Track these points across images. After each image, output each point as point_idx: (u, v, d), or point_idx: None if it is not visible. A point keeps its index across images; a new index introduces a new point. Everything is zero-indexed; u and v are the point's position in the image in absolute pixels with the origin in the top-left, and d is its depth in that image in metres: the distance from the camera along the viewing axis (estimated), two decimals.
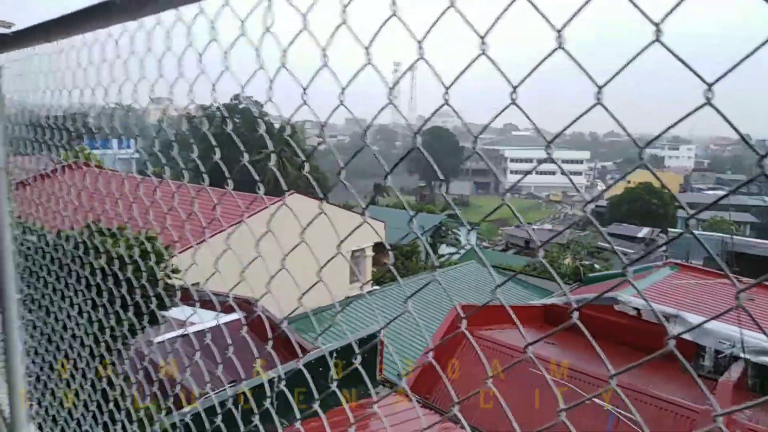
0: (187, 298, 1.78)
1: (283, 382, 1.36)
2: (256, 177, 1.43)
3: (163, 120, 1.75)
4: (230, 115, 1.67)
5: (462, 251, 31.71)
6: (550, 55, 0.81)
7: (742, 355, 6.15)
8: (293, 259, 1.41)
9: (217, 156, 1.49)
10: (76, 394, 2.50)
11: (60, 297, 2.66)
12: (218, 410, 1.61)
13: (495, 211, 1.17)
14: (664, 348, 0.77)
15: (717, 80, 0.66)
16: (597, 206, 65.24)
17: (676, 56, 0.69)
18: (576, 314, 0.84)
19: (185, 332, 1.80)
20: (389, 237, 20.80)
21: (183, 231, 1.73)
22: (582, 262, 29.89)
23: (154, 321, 2.06)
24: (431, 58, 1.01)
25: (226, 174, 1.49)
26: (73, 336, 2.56)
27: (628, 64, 0.73)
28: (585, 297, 8.11)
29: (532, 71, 0.85)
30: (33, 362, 2.85)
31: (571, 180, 0.98)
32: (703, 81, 0.66)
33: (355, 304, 13.91)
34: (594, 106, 0.79)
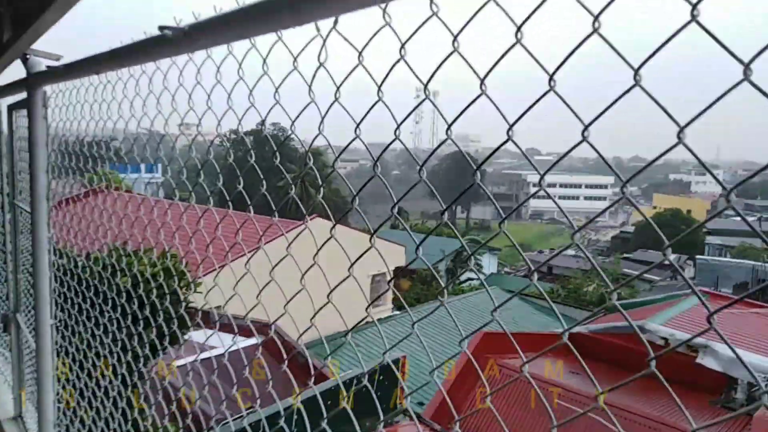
0: (206, 321, 1.79)
1: (296, 411, 1.34)
2: (273, 206, 1.44)
3: (191, 146, 1.79)
4: (256, 140, 1.70)
5: (475, 278, 31.39)
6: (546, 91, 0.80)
7: None
8: (316, 284, 1.41)
9: (241, 185, 1.51)
10: (104, 419, 2.51)
11: (86, 318, 2.70)
12: None
13: (491, 240, 1.16)
14: (645, 370, 0.74)
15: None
16: (623, 232, 64.11)
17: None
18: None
19: (205, 356, 1.80)
20: (408, 261, 20.70)
21: (205, 254, 1.75)
22: (607, 290, 29.21)
23: (174, 341, 2.07)
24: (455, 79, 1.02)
25: (248, 200, 1.51)
26: (97, 355, 2.59)
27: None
28: (610, 326, 7.91)
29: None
30: (64, 388, 2.87)
31: (562, 209, 0.97)
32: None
33: (375, 329, 13.79)
34: (579, 142, 0.77)
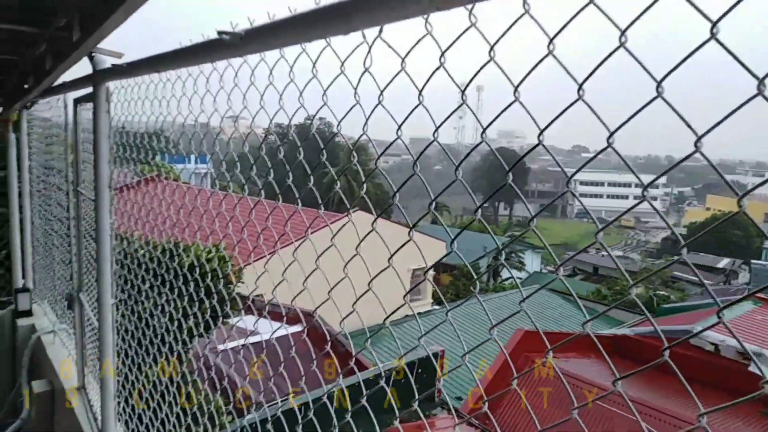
0: (251, 308, 1.87)
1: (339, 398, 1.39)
2: (319, 199, 1.49)
3: (245, 140, 1.88)
4: (303, 135, 1.76)
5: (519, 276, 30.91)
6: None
7: None
8: (358, 276, 1.45)
9: (290, 180, 1.58)
10: (160, 394, 2.65)
11: (145, 299, 2.85)
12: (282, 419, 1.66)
13: (522, 235, 1.16)
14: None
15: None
16: (674, 233, 61.43)
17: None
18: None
19: (253, 340, 1.88)
20: (450, 257, 20.61)
21: (256, 242, 1.82)
22: (656, 292, 28.24)
23: (224, 321, 2.19)
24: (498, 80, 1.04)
25: (296, 194, 1.57)
26: (155, 335, 2.73)
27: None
28: (656, 328, 7.67)
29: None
30: (123, 363, 3.05)
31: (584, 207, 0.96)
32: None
33: (414, 322, 13.83)
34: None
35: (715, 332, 7.39)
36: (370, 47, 1.18)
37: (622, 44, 0.78)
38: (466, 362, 1.21)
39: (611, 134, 0.83)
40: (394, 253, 1.33)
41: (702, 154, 0.71)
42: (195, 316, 2.28)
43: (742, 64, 0.66)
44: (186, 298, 2.36)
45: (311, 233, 1.48)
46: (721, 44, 0.67)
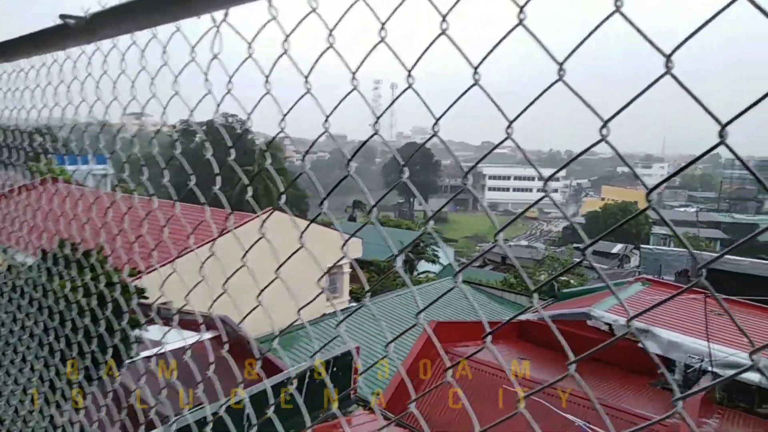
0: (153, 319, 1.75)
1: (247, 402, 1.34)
2: (225, 203, 1.43)
3: (136, 136, 1.74)
4: (210, 132, 1.67)
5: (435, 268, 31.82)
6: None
7: (710, 368, 6.28)
8: (270, 276, 1.41)
9: (192, 182, 1.49)
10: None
11: (20, 327, 2.54)
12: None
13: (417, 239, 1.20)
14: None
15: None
16: (571, 225, 66.10)
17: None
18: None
19: (157, 352, 1.77)
20: (366, 253, 20.76)
21: (154, 250, 1.71)
22: (558, 278, 30.13)
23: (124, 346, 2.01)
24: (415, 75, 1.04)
25: (201, 199, 1.49)
26: (32, 369, 2.45)
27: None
28: (558, 312, 8.21)
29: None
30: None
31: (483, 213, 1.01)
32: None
33: (331, 321, 13.78)
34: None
35: (609, 313, 8.04)
36: (218, 29, 1.16)
37: (520, 21, 0.79)
38: (389, 354, 1.21)
39: (510, 124, 0.86)
40: (283, 263, 1.30)
41: (608, 143, 0.74)
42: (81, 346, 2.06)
43: (648, 39, 0.69)
44: (70, 324, 2.15)
45: (218, 236, 1.42)
46: (626, 17, 0.70)
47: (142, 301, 1.93)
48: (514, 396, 0.81)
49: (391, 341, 1.18)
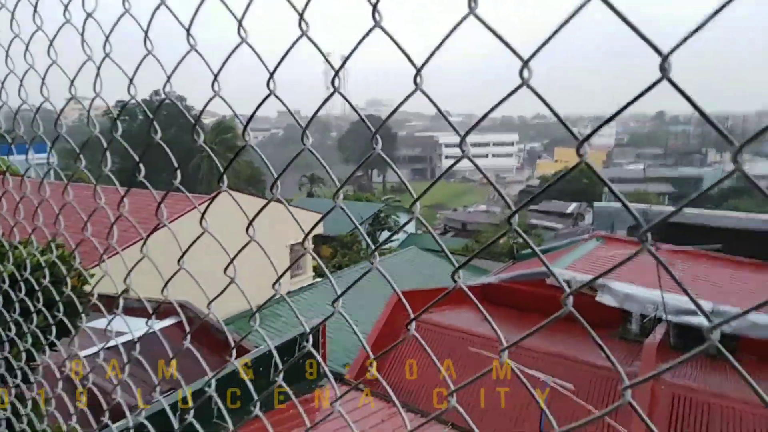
0: (109, 306, 1.69)
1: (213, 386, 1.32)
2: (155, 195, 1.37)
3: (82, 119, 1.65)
4: (152, 111, 1.59)
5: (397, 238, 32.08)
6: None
7: (664, 317, 6.61)
8: (236, 259, 1.37)
9: (142, 174, 1.42)
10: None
11: None
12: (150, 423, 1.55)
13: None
14: (561, 310, 0.81)
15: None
16: (528, 186, 67.77)
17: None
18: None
19: (118, 341, 1.72)
20: (327, 227, 20.72)
21: (107, 237, 1.64)
22: (516, 241, 30.96)
23: (65, 333, 1.95)
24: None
25: (148, 184, 1.42)
26: None
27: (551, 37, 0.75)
28: (518, 273, 8.43)
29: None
30: None
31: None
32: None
33: (296, 298, 13.77)
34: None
35: (567, 270, 8.30)
36: None
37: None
38: (337, 310, 1.20)
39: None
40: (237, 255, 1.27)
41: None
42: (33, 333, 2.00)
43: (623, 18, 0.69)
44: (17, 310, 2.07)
45: (171, 220, 1.37)
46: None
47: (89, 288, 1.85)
48: (479, 356, 0.82)
49: (338, 297, 1.17)
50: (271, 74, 1.12)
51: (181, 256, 1.41)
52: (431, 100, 0.94)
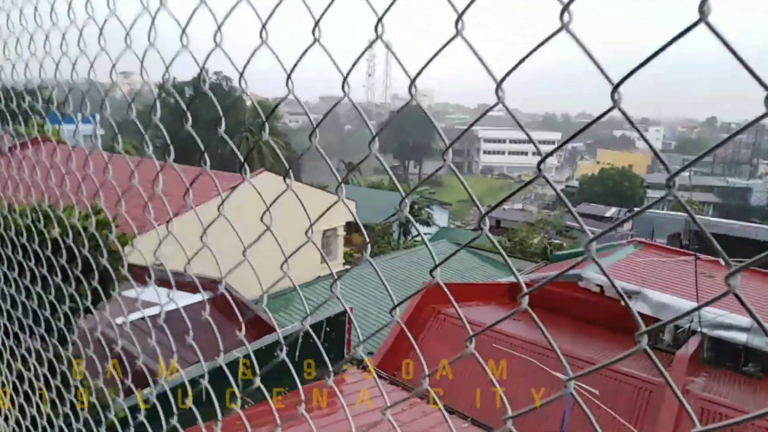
0: (144, 278, 1.75)
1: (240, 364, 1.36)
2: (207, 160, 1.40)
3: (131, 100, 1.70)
4: (196, 91, 1.62)
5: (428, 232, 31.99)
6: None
7: (698, 329, 6.41)
8: (265, 239, 1.40)
9: (173, 157, 1.46)
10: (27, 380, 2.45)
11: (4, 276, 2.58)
12: (185, 389, 1.61)
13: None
14: (636, 346, 0.78)
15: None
16: (568, 186, 66.34)
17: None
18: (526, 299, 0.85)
19: (152, 312, 1.78)
20: (360, 216, 20.85)
21: (146, 211, 1.70)
22: (550, 241, 30.44)
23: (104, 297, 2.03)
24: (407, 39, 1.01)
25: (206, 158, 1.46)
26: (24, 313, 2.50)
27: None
28: (547, 275, 8.31)
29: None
30: None
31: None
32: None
33: (325, 284, 13.93)
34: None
35: (599, 274, 8.13)
36: None
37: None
38: (395, 317, 1.20)
39: (498, 85, 0.83)
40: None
41: (621, 111, 0.72)
42: (72, 297, 2.10)
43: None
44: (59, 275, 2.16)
45: (211, 198, 1.40)
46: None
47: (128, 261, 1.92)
48: (507, 355, 0.82)
49: (396, 306, 1.18)
50: (289, 75, 1.15)
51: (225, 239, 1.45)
52: (513, 117, 0.93)
